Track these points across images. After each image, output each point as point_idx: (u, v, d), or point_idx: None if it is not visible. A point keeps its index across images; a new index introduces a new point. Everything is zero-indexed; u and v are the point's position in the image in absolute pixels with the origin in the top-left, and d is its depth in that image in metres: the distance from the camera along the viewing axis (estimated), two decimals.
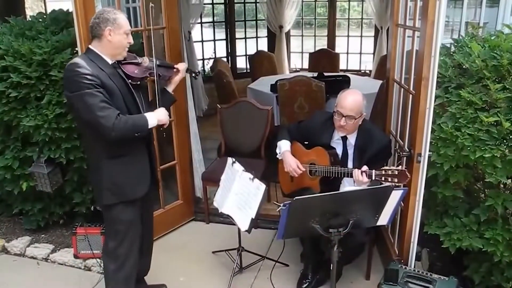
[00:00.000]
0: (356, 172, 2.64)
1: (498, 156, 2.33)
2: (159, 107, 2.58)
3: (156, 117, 2.47)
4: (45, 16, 3.72)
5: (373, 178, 2.58)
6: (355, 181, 2.68)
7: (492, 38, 2.73)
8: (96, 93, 2.24)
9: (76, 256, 3.42)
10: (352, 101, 2.78)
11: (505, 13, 5.66)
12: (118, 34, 2.36)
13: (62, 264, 3.45)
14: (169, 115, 3.44)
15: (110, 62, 2.41)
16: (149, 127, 2.43)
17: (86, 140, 2.55)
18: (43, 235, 3.78)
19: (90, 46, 2.40)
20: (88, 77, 2.23)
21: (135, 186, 2.53)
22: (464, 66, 2.59)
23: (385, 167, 2.57)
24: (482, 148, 2.35)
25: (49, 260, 3.50)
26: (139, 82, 2.55)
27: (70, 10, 3.20)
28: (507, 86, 2.38)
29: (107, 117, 2.24)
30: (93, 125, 2.27)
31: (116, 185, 2.47)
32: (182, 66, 2.77)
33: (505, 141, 2.39)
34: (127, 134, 2.34)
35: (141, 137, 2.47)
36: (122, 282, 2.60)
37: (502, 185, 2.61)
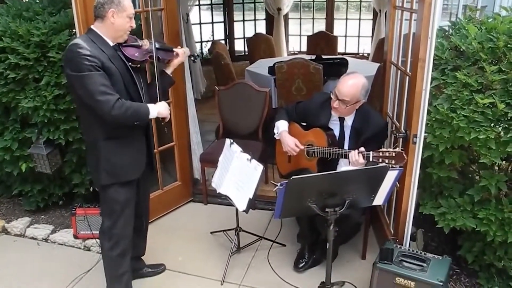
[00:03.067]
0: (353, 153, 2.67)
1: (493, 137, 2.35)
2: (158, 90, 2.58)
3: (157, 109, 2.48)
4: None
5: (371, 159, 2.60)
6: (351, 163, 2.69)
7: (489, 20, 2.73)
8: (96, 76, 2.24)
9: (75, 237, 3.47)
10: (350, 86, 2.76)
11: None
12: (121, 17, 2.34)
13: (62, 245, 3.50)
14: (168, 97, 3.50)
15: (111, 44, 2.40)
16: (150, 117, 2.46)
17: (84, 120, 2.55)
18: (42, 216, 3.82)
19: (92, 27, 2.39)
20: (89, 58, 2.23)
21: (131, 168, 2.55)
22: (460, 49, 2.60)
23: (383, 149, 2.59)
24: (477, 130, 2.37)
25: (49, 241, 3.55)
26: (139, 65, 2.55)
27: None
28: (503, 68, 2.39)
29: (106, 102, 2.25)
30: (92, 108, 2.29)
31: (112, 166, 2.49)
32: (182, 50, 2.77)
33: (499, 122, 2.42)
34: (126, 120, 2.36)
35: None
36: (116, 260, 2.65)
37: (496, 167, 2.65)
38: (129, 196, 2.58)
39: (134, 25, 2.43)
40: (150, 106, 2.46)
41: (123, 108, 2.30)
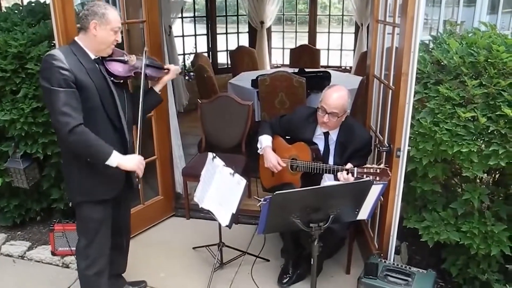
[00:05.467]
0: (342, 174, 2.64)
1: (475, 150, 2.37)
2: (141, 107, 2.47)
3: (119, 161, 2.30)
4: (21, 8, 3.63)
5: (355, 175, 2.59)
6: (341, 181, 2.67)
7: (469, 35, 2.77)
8: (63, 94, 2.15)
9: (53, 253, 3.37)
10: (337, 98, 2.77)
11: (481, 12, 5.80)
12: (104, 30, 2.27)
13: (39, 262, 3.39)
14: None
15: (92, 57, 2.33)
16: (106, 163, 2.27)
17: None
18: (19, 232, 3.71)
19: (75, 38, 2.33)
20: (62, 71, 2.15)
21: (105, 187, 2.44)
22: (442, 63, 2.63)
23: (367, 165, 2.59)
24: (459, 143, 2.39)
25: (25, 258, 3.43)
26: (122, 81, 2.48)
27: (47, 2, 3.13)
28: (484, 82, 2.42)
29: (65, 124, 2.15)
30: (53, 125, 2.23)
31: (84, 185, 2.40)
32: (173, 67, 2.67)
33: (481, 136, 2.44)
34: (80, 151, 2.25)
35: (116, 137, 2.41)
36: (93, 279, 2.55)
37: (478, 180, 2.67)
38: (104, 214, 2.49)
39: (119, 39, 2.36)
40: (115, 154, 2.28)
41: (82, 137, 2.18)
